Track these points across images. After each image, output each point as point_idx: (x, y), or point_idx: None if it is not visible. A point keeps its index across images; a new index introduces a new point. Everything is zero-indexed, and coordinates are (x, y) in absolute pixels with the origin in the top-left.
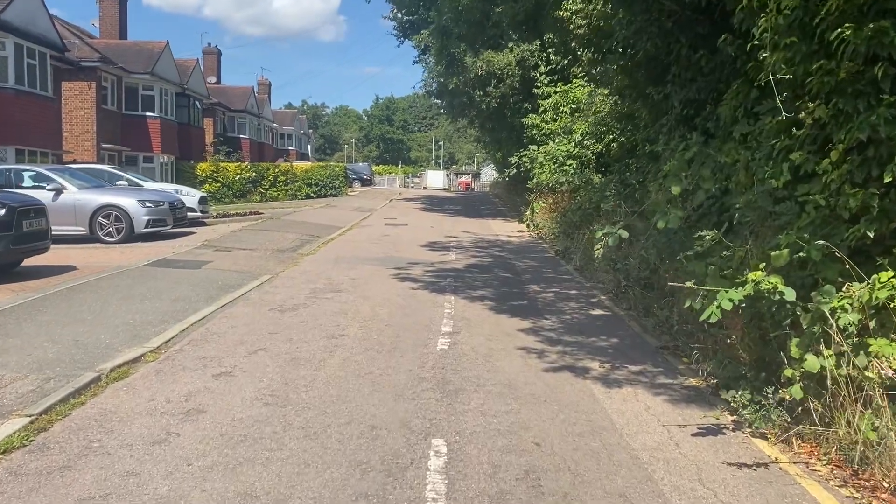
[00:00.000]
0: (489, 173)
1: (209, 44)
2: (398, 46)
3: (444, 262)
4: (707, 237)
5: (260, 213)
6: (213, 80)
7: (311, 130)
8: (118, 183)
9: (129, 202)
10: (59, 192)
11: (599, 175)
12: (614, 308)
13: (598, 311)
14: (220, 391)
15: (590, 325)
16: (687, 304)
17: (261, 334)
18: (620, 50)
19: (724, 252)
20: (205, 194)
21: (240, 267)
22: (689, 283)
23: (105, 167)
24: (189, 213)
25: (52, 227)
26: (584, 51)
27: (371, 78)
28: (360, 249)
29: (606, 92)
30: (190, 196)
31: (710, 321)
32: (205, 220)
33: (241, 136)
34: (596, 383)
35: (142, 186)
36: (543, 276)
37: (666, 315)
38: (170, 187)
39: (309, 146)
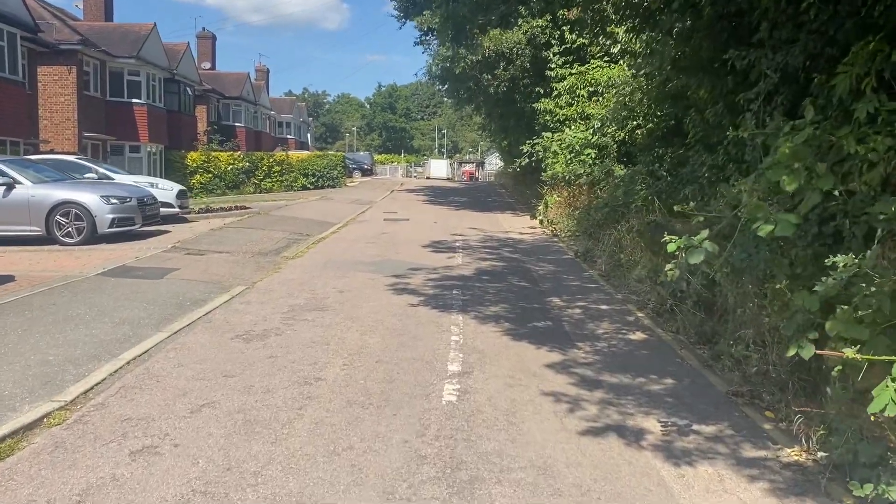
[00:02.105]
0: (494, 162)
1: (203, 28)
2: (399, 28)
3: (450, 266)
4: (842, 264)
5: (247, 207)
6: (208, 65)
7: (310, 119)
8: (86, 175)
9: (90, 198)
10: (10, 186)
11: (621, 166)
12: (657, 330)
13: (638, 335)
14: (133, 485)
15: (632, 356)
16: (791, 353)
17: (213, 378)
18: (677, 11)
19: (871, 289)
20: (184, 188)
21: (210, 276)
22: (849, 354)
23: (72, 158)
24: (166, 209)
25: (3, 227)
26: (621, 22)
27: (374, 66)
28: (354, 251)
29: (634, 70)
30: (167, 189)
31: (886, 414)
32: (185, 216)
33: (237, 124)
34: (659, 458)
35: (112, 180)
36: (565, 284)
37: (741, 352)
38: (144, 180)
39: (309, 135)
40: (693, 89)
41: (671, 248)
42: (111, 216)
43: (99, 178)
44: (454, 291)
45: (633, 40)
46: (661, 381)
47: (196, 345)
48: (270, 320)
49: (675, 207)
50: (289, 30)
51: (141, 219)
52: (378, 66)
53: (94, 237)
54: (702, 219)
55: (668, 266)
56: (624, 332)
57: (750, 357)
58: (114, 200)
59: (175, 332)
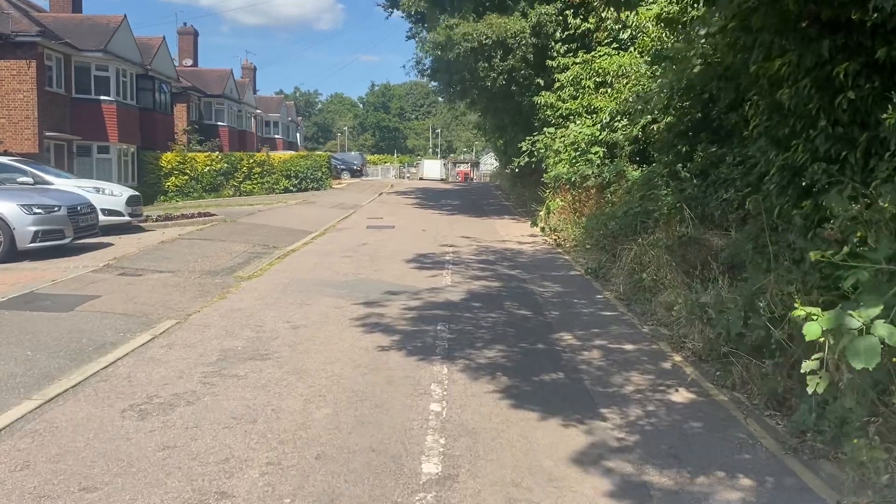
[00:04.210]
0: (489, 162)
1: (184, 23)
2: (387, 18)
3: (436, 288)
4: None
5: (211, 214)
6: (190, 62)
7: (299, 118)
8: (20, 180)
9: (7, 208)
10: None
11: (634, 166)
12: (706, 385)
13: (682, 395)
14: None
15: (682, 432)
16: None
17: (62, 495)
18: None
19: None
20: (136, 193)
21: (136, 305)
22: None
23: (3, 159)
24: (114, 218)
25: None
26: None
27: (368, 66)
28: (325, 268)
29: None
30: (115, 195)
31: None
32: (141, 224)
33: (220, 123)
34: None
35: (51, 184)
36: (576, 312)
37: (872, 453)
38: (89, 184)
39: (298, 134)
40: (759, 63)
41: (811, 333)
42: (34, 228)
43: (36, 184)
44: (439, 326)
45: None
46: (733, 483)
47: (68, 424)
48: (188, 377)
49: (811, 254)
50: (283, 30)
51: (73, 231)
52: (372, 66)
53: (13, 254)
54: (866, 274)
55: (807, 365)
56: (662, 388)
57: (875, 459)
58: (37, 210)
59: (49, 400)
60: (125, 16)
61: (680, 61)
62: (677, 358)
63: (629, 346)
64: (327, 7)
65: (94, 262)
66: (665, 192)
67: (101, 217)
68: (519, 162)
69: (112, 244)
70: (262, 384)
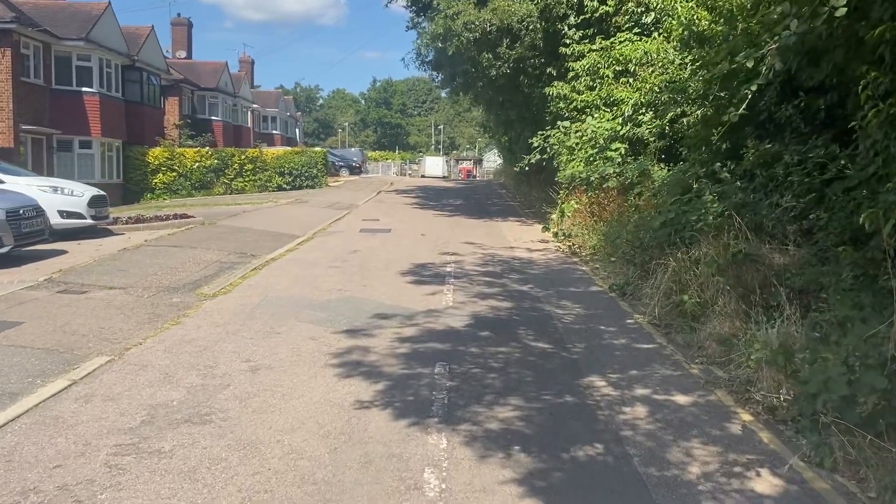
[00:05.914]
0: (492, 159)
1: (178, 14)
2: (386, 6)
3: (435, 311)
4: None
5: (189, 216)
6: (184, 54)
7: (299, 113)
8: None
9: None
10: None
11: (661, 165)
12: (798, 465)
13: (767, 481)
14: None
15: None
16: None
17: None
18: None
19: None
20: (101, 193)
21: (64, 336)
22: None
23: None
24: (74, 221)
25: None
26: None
27: (371, 63)
28: (306, 282)
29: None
30: (76, 196)
31: None
32: (108, 226)
33: (213, 118)
34: None
35: (1, 182)
36: (606, 344)
37: None
38: (47, 183)
39: (297, 130)
40: (887, 24)
41: None
42: None
43: None
44: (437, 368)
45: None
46: None
47: None
48: (92, 454)
49: None
50: (284, 25)
51: (12, 238)
52: (374, 62)
53: None
54: None
55: None
56: (738, 470)
57: None
58: None
59: None
60: (109, 2)
61: (746, 39)
62: (745, 416)
63: (680, 398)
64: (329, 2)
65: (34, 276)
66: (710, 197)
67: (60, 220)
68: (530, 160)
69: (66, 251)
70: (191, 469)
